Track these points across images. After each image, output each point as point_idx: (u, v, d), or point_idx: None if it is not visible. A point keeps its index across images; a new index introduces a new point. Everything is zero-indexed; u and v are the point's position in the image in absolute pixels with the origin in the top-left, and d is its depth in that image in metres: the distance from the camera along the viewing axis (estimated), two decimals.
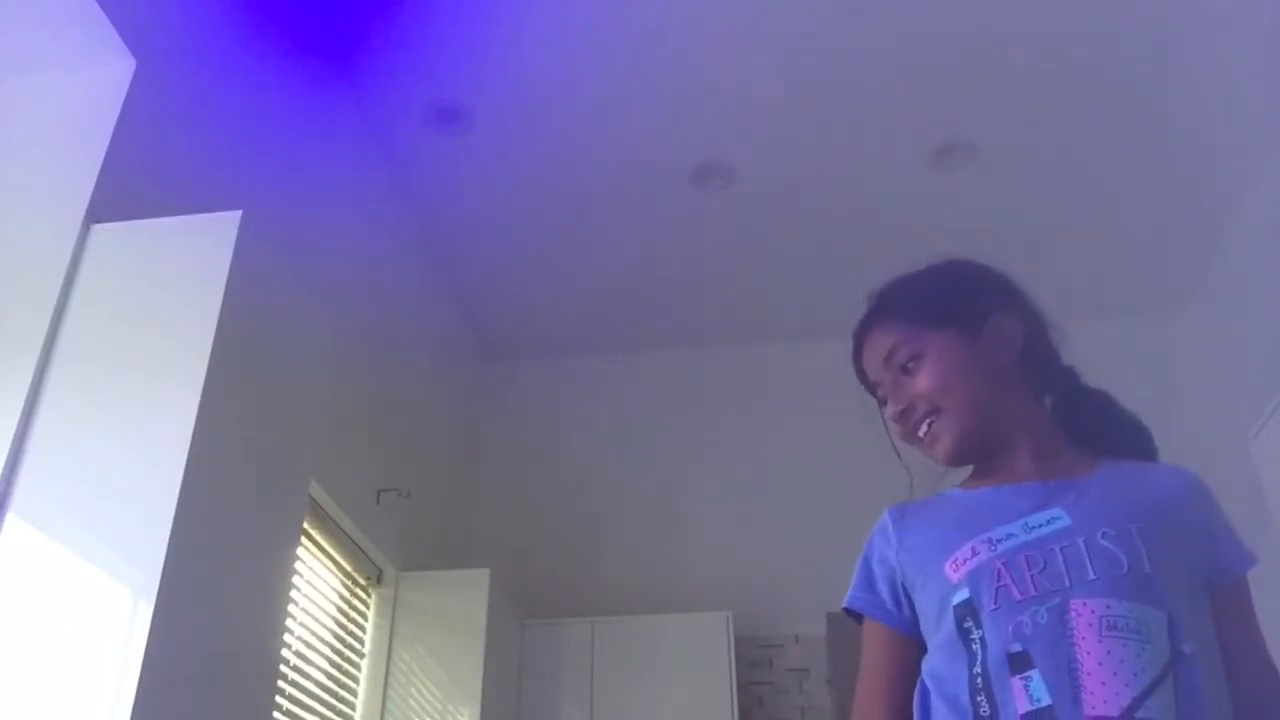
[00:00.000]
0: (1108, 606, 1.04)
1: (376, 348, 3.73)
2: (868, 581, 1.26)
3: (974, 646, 1.09)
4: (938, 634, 1.14)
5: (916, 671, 1.17)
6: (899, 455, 1.28)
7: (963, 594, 1.12)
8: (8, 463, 1.78)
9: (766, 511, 4.61)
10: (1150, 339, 4.65)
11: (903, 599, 1.22)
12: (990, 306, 1.21)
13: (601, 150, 3.81)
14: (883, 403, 1.28)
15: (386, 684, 3.46)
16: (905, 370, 1.22)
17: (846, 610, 1.29)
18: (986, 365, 1.18)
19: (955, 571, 1.13)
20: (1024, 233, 4.21)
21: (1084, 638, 1.03)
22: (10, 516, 1.73)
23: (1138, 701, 0.99)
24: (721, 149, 3.82)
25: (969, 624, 1.11)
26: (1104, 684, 1.00)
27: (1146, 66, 3.43)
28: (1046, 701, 1.02)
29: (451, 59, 3.42)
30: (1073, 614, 1.04)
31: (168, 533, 1.66)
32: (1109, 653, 1.02)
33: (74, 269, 2.00)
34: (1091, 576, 1.05)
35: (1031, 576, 1.08)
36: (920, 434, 1.20)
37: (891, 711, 1.19)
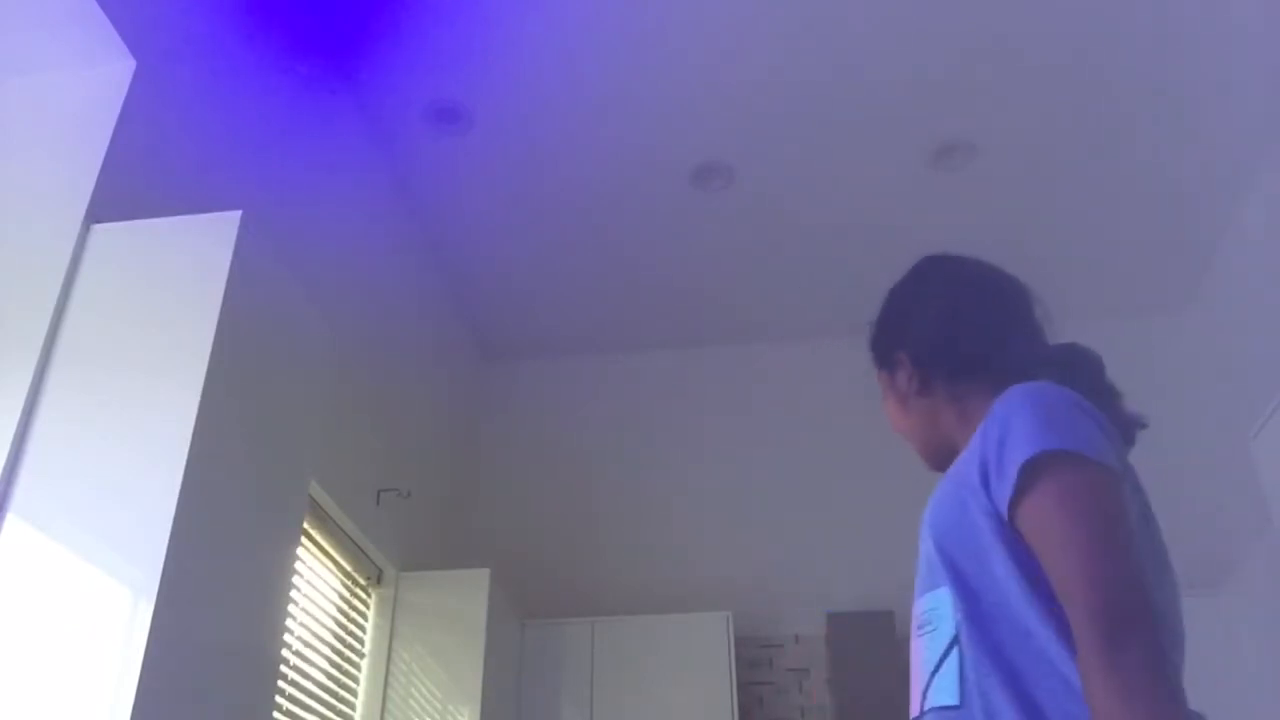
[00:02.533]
0: (917, 607, 1.07)
1: (376, 348, 3.73)
2: None
3: None
4: None
5: None
6: None
7: None
8: (8, 463, 1.78)
9: (766, 511, 4.61)
10: (1150, 339, 4.65)
11: None
12: (895, 343, 1.29)
13: (601, 150, 3.81)
14: None
15: (386, 684, 3.46)
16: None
17: None
18: (905, 399, 1.27)
19: None
20: (1024, 233, 4.21)
21: (912, 645, 1.08)
22: (10, 516, 1.73)
23: (924, 695, 1.01)
24: (721, 149, 3.82)
25: None
26: (914, 687, 1.04)
27: (1147, 66, 3.43)
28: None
29: (451, 59, 3.42)
30: (913, 623, 1.09)
31: (168, 533, 1.66)
32: (915, 654, 1.05)
33: (74, 269, 2.00)
34: (918, 580, 1.10)
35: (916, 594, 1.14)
36: None
37: None
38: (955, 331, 1.24)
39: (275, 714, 2.46)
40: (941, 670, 0.99)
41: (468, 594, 3.63)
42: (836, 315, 4.72)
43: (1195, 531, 4.24)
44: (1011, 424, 1.00)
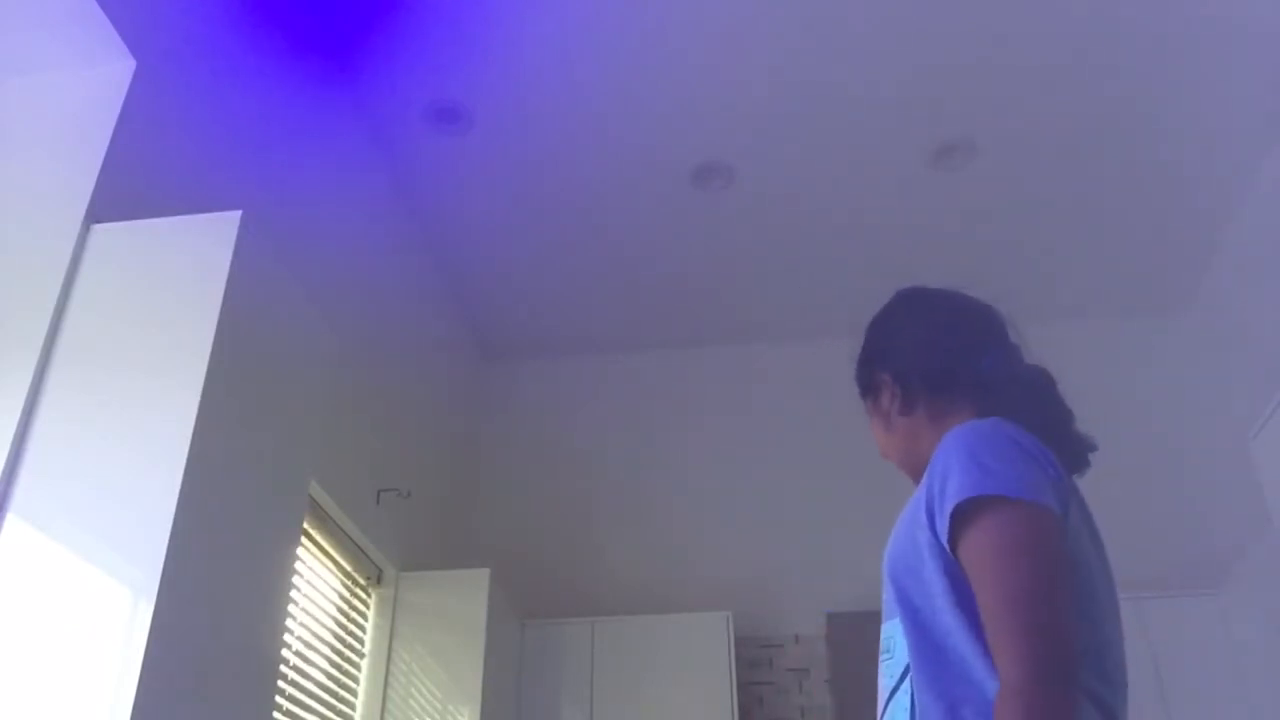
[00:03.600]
0: (882, 632, 1.13)
1: (376, 348, 3.73)
2: None
3: None
4: None
5: None
6: None
7: None
8: (8, 463, 1.78)
9: (766, 511, 4.61)
10: (1150, 339, 4.65)
11: None
12: (878, 366, 1.33)
13: (601, 150, 3.81)
14: None
15: (386, 684, 3.46)
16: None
17: None
18: (888, 419, 1.30)
19: None
20: (1024, 233, 4.21)
21: (878, 667, 1.13)
22: (10, 516, 1.73)
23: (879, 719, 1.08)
24: (721, 149, 3.82)
25: None
26: (877, 709, 1.11)
27: (1147, 67, 3.43)
28: None
29: (451, 59, 3.42)
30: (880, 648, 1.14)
31: (168, 533, 1.66)
32: (879, 678, 1.11)
33: (74, 269, 2.00)
34: (883, 606, 1.15)
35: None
36: None
37: None
38: (935, 350, 1.29)
39: (275, 714, 2.46)
40: (895, 698, 1.05)
41: (468, 594, 3.63)
42: (836, 315, 4.72)
43: (1195, 531, 4.24)
44: (950, 463, 1.05)
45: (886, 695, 1.06)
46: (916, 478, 1.27)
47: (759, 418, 4.85)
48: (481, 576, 3.65)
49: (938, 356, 1.27)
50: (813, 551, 4.47)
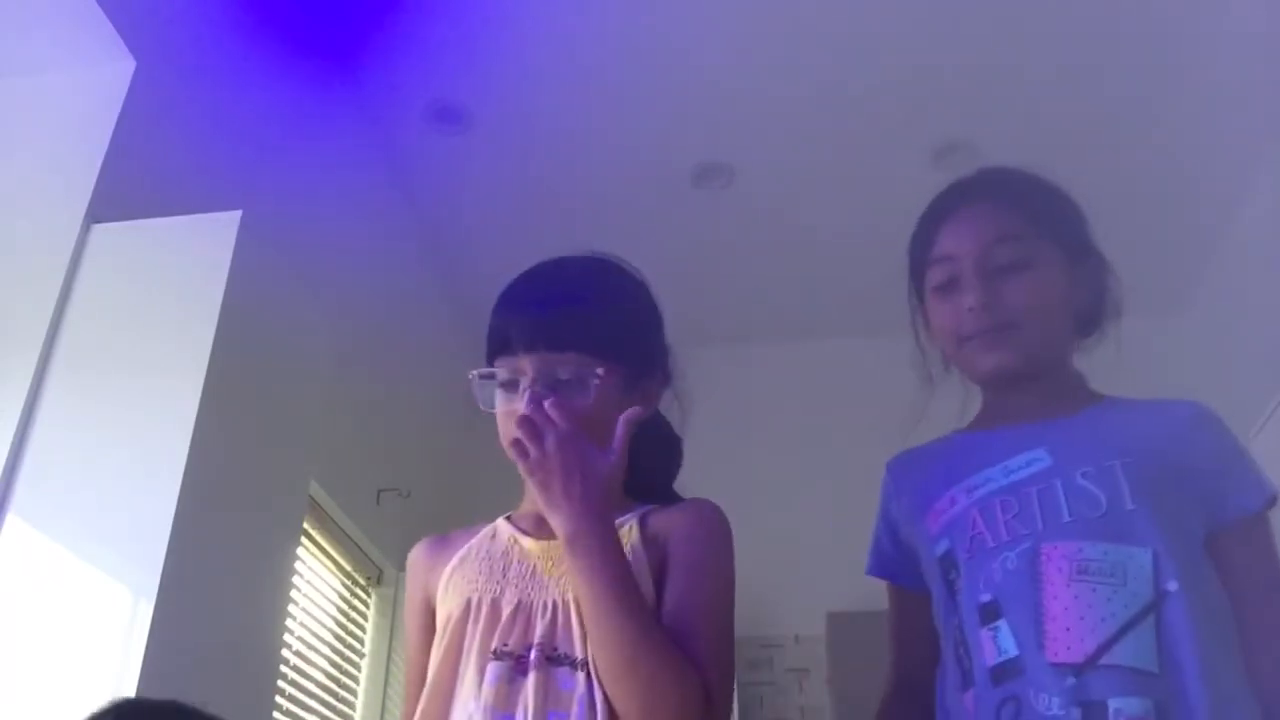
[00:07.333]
0: (1079, 550, 1.00)
1: (376, 348, 3.72)
2: (876, 541, 1.31)
3: (957, 598, 1.08)
4: (934, 588, 1.14)
5: (929, 623, 1.16)
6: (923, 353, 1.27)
7: (943, 545, 1.12)
8: (8, 463, 1.77)
9: (767, 510, 4.60)
10: (1150, 339, 4.63)
11: (907, 551, 1.22)
12: (1091, 245, 1.26)
13: (601, 150, 3.81)
14: (944, 286, 1.22)
15: (386, 684, 3.46)
16: (1003, 270, 1.19)
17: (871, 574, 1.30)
18: (1067, 305, 1.21)
19: (935, 523, 1.13)
20: None
21: (1052, 583, 1.00)
22: (10, 516, 1.73)
23: (1103, 647, 0.96)
24: (721, 149, 3.82)
25: (952, 575, 1.10)
26: (1069, 629, 0.98)
27: (1146, 66, 3.43)
28: (1014, 652, 1.00)
29: (451, 59, 3.41)
30: (1043, 558, 1.01)
31: (168, 533, 1.66)
32: (1076, 598, 0.98)
33: (74, 269, 2.00)
34: (1066, 519, 1.03)
35: (1005, 522, 1.06)
36: (981, 339, 1.16)
37: (902, 670, 1.22)
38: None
39: (275, 714, 2.46)
40: (1135, 632, 0.96)
41: None
42: (837, 315, 4.71)
43: None
44: (1237, 450, 1.11)
45: (1112, 623, 0.97)
46: (1012, 375, 1.16)
47: (758, 417, 4.84)
48: None
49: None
50: (813, 551, 4.46)
